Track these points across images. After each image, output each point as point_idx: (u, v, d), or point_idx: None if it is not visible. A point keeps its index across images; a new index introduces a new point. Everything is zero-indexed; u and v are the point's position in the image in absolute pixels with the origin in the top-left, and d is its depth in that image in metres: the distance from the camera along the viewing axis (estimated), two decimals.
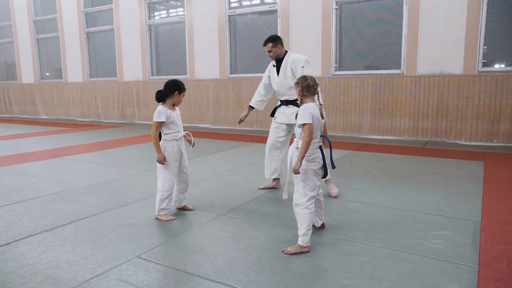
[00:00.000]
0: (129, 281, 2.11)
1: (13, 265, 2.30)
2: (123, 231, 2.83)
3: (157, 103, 3.10)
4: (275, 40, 3.64)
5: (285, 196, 2.62)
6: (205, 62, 9.22)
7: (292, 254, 2.41)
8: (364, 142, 6.83)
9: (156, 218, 3.09)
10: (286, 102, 3.74)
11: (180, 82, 3.13)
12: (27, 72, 12.72)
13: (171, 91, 3.05)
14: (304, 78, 2.59)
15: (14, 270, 2.24)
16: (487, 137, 6.46)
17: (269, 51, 3.66)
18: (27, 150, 6.39)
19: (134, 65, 10.38)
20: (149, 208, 3.33)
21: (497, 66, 6.51)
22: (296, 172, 2.44)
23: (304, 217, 2.46)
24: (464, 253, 2.40)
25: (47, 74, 12.55)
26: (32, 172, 4.73)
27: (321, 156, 2.52)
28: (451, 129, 6.72)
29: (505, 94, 6.28)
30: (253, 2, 8.76)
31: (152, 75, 10.23)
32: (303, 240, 2.44)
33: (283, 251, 2.44)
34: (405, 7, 6.88)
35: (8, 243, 2.62)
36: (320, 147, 2.54)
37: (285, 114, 3.74)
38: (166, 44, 10.09)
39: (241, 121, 4.02)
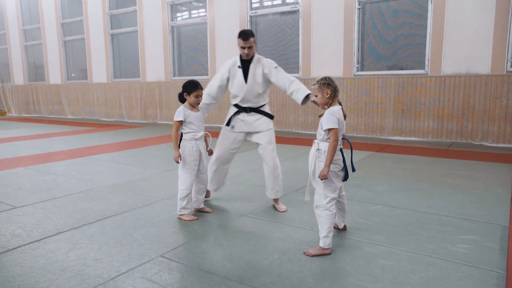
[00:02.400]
0: (153, 279, 2.16)
1: (43, 262, 2.38)
2: (147, 230, 2.88)
3: (180, 103, 3.17)
4: (254, 35, 3.24)
5: (307, 198, 2.61)
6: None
7: (313, 256, 2.41)
8: (387, 143, 6.73)
9: (179, 218, 3.14)
10: (248, 109, 3.35)
11: (190, 82, 3.09)
12: (54, 73, 13.12)
13: (182, 92, 3.11)
14: (331, 79, 2.49)
15: (44, 267, 2.32)
16: None
17: (249, 47, 3.21)
18: (55, 149, 6.59)
19: (156, 65, 10.55)
20: (172, 208, 3.38)
21: None
22: (324, 177, 2.41)
23: (325, 219, 2.46)
24: (491, 259, 2.34)
25: (73, 75, 12.91)
26: (60, 171, 4.88)
27: (342, 158, 2.50)
28: (477, 130, 6.54)
29: None
30: (274, 3, 8.76)
31: (174, 75, 10.37)
32: (324, 242, 2.43)
33: (304, 253, 2.44)
34: (430, 6, 6.74)
35: (38, 240, 2.72)
36: (341, 150, 2.52)
37: (246, 122, 3.35)
38: (188, 45, 10.21)
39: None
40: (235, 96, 3.40)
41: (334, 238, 2.56)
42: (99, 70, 11.85)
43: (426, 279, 2.11)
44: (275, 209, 3.36)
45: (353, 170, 2.74)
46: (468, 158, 5.38)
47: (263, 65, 3.27)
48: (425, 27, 6.86)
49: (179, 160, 3.05)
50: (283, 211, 3.29)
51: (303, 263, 2.32)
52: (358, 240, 2.65)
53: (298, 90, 3.14)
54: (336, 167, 2.49)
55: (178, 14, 10.35)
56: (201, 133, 3.15)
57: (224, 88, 3.48)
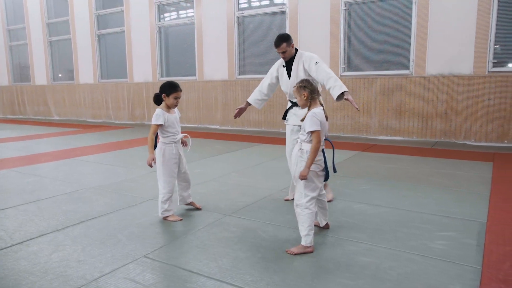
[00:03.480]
0: (136, 280, 2.17)
1: (25, 264, 2.37)
2: (131, 231, 2.89)
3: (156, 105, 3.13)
4: (287, 39, 3.37)
5: (286, 198, 2.65)
6: (214, 63, 9.29)
7: (295, 254, 2.44)
8: (372, 142, 6.81)
9: (164, 219, 3.14)
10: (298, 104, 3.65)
11: (169, 83, 3.03)
12: (40, 74, 12.97)
13: (160, 93, 3.06)
14: (308, 81, 2.57)
15: (26, 269, 2.31)
16: (497, 137, 6.40)
17: (283, 52, 3.38)
18: (40, 151, 6.52)
19: (144, 66, 10.51)
20: (157, 208, 3.38)
21: (507, 66, 6.43)
22: (304, 178, 2.45)
23: (305, 218, 2.49)
24: (468, 254, 2.40)
25: (60, 75, 12.77)
26: (45, 173, 4.84)
27: (323, 159, 2.55)
28: (461, 129, 6.67)
29: None
30: (261, 4, 8.80)
31: (162, 76, 10.34)
32: (305, 240, 2.47)
33: (286, 251, 2.48)
34: (414, 7, 6.85)
35: (20, 243, 2.70)
36: (323, 150, 2.57)
37: (298, 115, 3.50)
38: (176, 46, 10.19)
39: (236, 115, 3.78)
40: (285, 93, 3.64)
41: (316, 236, 2.60)
42: (86, 70, 11.76)
43: (404, 275, 2.16)
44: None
45: (334, 171, 2.79)
46: (451, 157, 5.49)
47: (303, 60, 3.39)
48: (410, 28, 6.96)
49: (152, 164, 2.99)
50: (329, 200, 3.38)
51: (285, 262, 2.36)
52: (339, 238, 2.69)
53: (334, 87, 3.20)
54: (317, 167, 2.53)
55: (166, 15, 10.32)
56: (180, 135, 3.16)
57: (273, 86, 3.71)
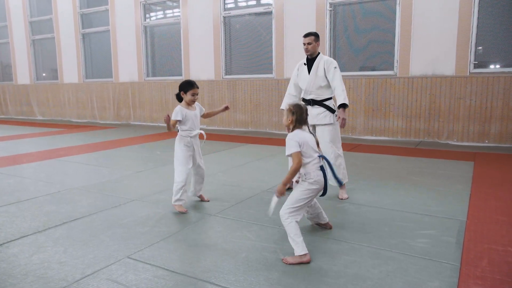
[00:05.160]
0: (119, 281, 2.15)
1: (5, 266, 2.34)
2: (115, 232, 2.87)
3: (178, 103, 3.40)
4: (317, 36, 3.70)
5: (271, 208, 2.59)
6: (200, 63, 9.26)
7: (290, 264, 2.33)
8: (358, 142, 6.89)
9: (173, 205, 3.33)
10: (312, 102, 3.73)
11: (186, 81, 3.34)
12: (23, 73, 12.73)
13: (179, 91, 3.36)
14: (300, 108, 2.52)
15: (5, 271, 2.27)
16: (478, 137, 6.53)
17: (309, 43, 3.66)
18: (22, 151, 6.41)
19: (129, 66, 10.41)
20: (142, 209, 3.37)
21: (488, 67, 6.58)
22: (281, 194, 2.44)
23: (289, 228, 2.43)
24: (447, 252, 2.46)
25: (44, 74, 12.56)
26: (27, 174, 4.76)
27: (323, 178, 2.50)
28: (443, 129, 6.79)
29: (496, 95, 6.35)
30: (248, 4, 8.81)
31: (148, 76, 10.26)
32: (296, 250, 2.37)
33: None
34: (398, 9, 6.95)
35: (0, 245, 2.65)
36: (321, 167, 2.51)
37: (311, 114, 3.61)
38: (162, 45, 10.13)
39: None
40: (302, 89, 3.86)
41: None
42: (70, 70, 11.59)
43: (385, 273, 2.20)
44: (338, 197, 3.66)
45: (340, 184, 3.03)
46: (434, 156, 5.59)
47: (325, 61, 3.68)
48: (394, 30, 7.06)
49: (168, 120, 3.26)
50: (342, 198, 3.61)
51: (269, 262, 2.37)
52: (323, 238, 2.72)
53: (339, 96, 3.56)
54: (316, 186, 2.48)
55: (152, 14, 10.25)
56: (196, 131, 3.38)
57: (298, 85, 3.92)
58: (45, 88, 12.29)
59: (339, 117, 3.57)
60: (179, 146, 3.34)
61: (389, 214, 3.19)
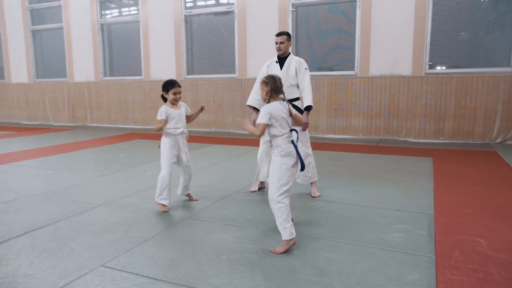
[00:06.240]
0: None
1: None
2: (85, 239, 2.71)
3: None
4: (289, 35, 3.75)
5: (255, 188, 2.65)
6: (161, 62, 9.03)
7: (281, 253, 2.42)
8: (321, 141, 7.01)
9: (156, 203, 3.37)
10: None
11: (168, 81, 3.35)
12: None
13: (162, 91, 3.36)
14: (273, 78, 2.59)
15: None
16: (434, 134, 6.88)
17: (281, 43, 3.67)
18: None
19: (85, 65, 9.95)
20: (110, 214, 3.22)
21: (441, 68, 6.94)
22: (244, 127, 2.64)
23: (279, 212, 2.49)
24: (421, 245, 2.55)
25: None
26: None
27: (294, 150, 2.55)
28: (402, 127, 7.09)
29: (449, 95, 6.72)
30: (209, 3, 8.71)
31: (105, 75, 9.86)
32: (283, 234, 2.46)
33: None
34: (358, 11, 7.16)
35: None
36: (293, 142, 2.56)
37: None
38: (120, 44, 9.77)
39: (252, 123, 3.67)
40: None
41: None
42: (19, 69, 10.89)
43: (367, 269, 2.24)
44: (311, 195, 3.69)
45: (303, 168, 2.83)
46: (395, 153, 5.81)
47: (296, 61, 3.72)
48: (354, 31, 7.27)
49: (162, 124, 3.29)
50: (315, 196, 3.67)
51: (251, 263, 2.34)
52: (302, 236, 2.72)
53: (306, 98, 3.62)
54: (290, 159, 2.52)
55: (108, 12, 9.85)
56: (181, 129, 3.37)
57: None
58: None
59: (305, 120, 3.55)
60: (163, 144, 3.36)
61: (363, 210, 3.27)
